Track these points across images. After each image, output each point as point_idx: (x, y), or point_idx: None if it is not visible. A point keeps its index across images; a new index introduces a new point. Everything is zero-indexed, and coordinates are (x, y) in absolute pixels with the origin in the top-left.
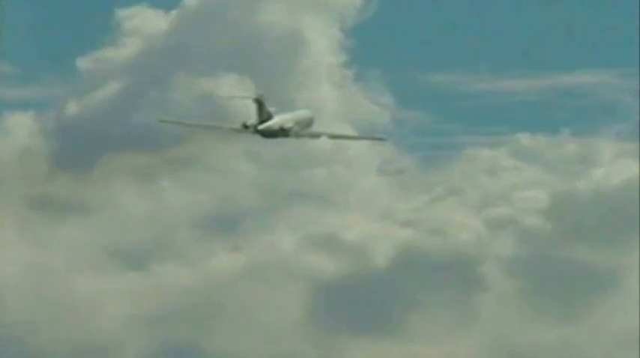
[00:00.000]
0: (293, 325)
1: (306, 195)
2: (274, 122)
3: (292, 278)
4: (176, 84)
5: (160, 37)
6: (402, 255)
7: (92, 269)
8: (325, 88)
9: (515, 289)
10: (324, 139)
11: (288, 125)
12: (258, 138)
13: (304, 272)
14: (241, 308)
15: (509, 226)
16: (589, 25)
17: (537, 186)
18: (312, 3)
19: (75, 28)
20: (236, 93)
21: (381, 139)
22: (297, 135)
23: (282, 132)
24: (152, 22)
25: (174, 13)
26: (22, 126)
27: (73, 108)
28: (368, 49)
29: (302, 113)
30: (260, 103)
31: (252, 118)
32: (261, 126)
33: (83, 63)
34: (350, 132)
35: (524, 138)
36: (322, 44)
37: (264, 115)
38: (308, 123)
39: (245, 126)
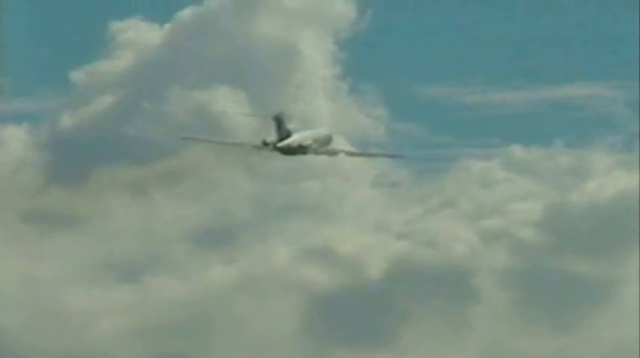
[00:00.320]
0: (287, 337)
1: (300, 208)
2: (293, 140)
3: (286, 290)
4: (170, 97)
5: (154, 50)
6: (395, 267)
7: (85, 282)
8: (319, 101)
9: (508, 301)
10: (341, 156)
11: (307, 142)
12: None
13: (298, 284)
14: (235, 321)
15: (503, 238)
16: (583, 37)
17: (531, 198)
18: (306, 16)
19: (68, 41)
20: (229, 106)
21: (399, 157)
22: (316, 153)
23: (300, 150)
24: (146, 35)
25: (167, 26)
26: (16, 139)
27: (66, 121)
28: (362, 61)
29: (321, 131)
30: (279, 121)
31: (272, 135)
32: (280, 144)
33: (77, 76)
34: (344, 144)
35: (517, 150)
36: (316, 57)
37: (283, 133)
38: (327, 140)
39: (265, 144)
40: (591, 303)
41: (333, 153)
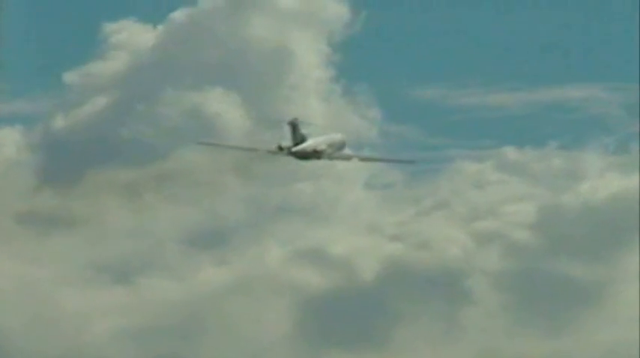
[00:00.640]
0: (280, 339)
1: (293, 210)
2: (308, 145)
3: (279, 292)
4: (163, 98)
5: (147, 51)
6: (389, 269)
7: (79, 284)
8: (313, 103)
9: (502, 303)
10: (354, 161)
11: (321, 147)
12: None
13: (291, 286)
14: (228, 322)
15: (496, 240)
16: (578, 39)
17: (524, 199)
18: (299, 18)
19: (62, 42)
20: (223, 108)
21: (411, 162)
22: (330, 158)
23: (315, 155)
24: (139, 36)
25: (161, 27)
26: (10, 140)
27: (60, 122)
28: (355, 63)
29: (335, 136)
30: (294, 126)
31: (287, 140)
32: (294, 149)
33: (70, 77)
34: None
35: (511, 152)
36: (310, 59)
37: (298, 138)
38: (340, 146)
39: (280, 149)
40: (585, 306)
41: (347, 158)
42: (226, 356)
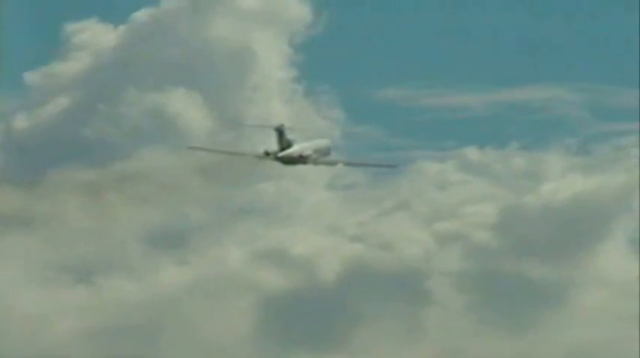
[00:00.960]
0: (241, 339)
1: (254, 210)
2: (294, 150)
3: (240, 292)
4: (125, 98)
5: (110, 51)
6: (350, 269)
7: (39, 284)
8: (275, 103)
9: (463, 303)
10: (339, 166)
11: (307, 153)
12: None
13: (252, 286)
14: (189, 323)
15: (458, 240)
16: (540, 40)
17: (486, 200)
18: (262, 18)
19: (24, 42)
20: (185, 108)
21: (392, 167)
22: (315, 163)
23: (300, 160)
24: (101, 36)
25: (123, 27)
26: None
27: (21, 122)
28: (318, 64)
29: (321, 142)
30: (280, 132)
31: (273, 145)
32: (280, 154)
33: (32, 78)
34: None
35: (472, 152)
36: (272, 59)
37: (284, 143)
38: (326, 151)
39: (266, 154)
40: (546, 306)
41: (332, 163)
42: (187, 356)
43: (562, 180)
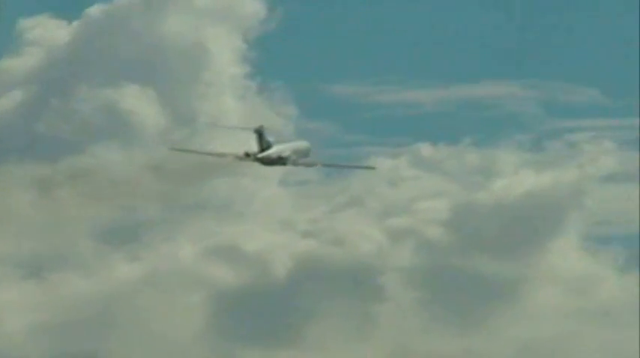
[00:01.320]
0: (192, 335)
1: (207, 206)
2: (273, 151)
3: (192, 288)
4: (78, 94)
5: (63, 47)
6: (301, 265)
7: None
8: (228, 99)
9: (415, 299)
10: (318, 167)
11: (286, 154)
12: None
13: (204, 282)
14: (141, 318)
15: (410, 236)
16: (494, 36)
17: (438, 196)
18: (215, 14)
19: None
20: (138, 105)
21: (371, 168)
22: (295, 164)
23: (279, 161)
24: (54, 32)
25: (76, 23)
26: None
27: None
28: (272, 60)
29: (300, 143)
30: (260, 134)
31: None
32: (260, 155)
33: None
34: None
35: (425, 149)
36: (225, 55)
37: (263, 144)
38: (305, 152)
39: (247, 155)
40: (497, 302)
41: (311, 164)
42: (139, 351)
43: (514, 177)
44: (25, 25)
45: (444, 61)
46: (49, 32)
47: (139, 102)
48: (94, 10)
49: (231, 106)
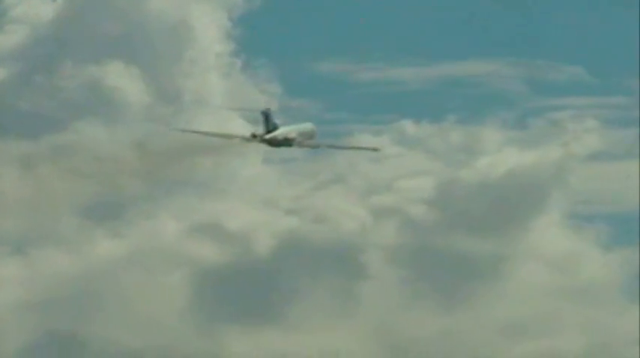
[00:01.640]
0: (175, 313)
1: (190, 183)
2: (279, 133)
3: (175, 265)
4: (62, 71)
5: (47, 24)
6: (285, 243)
7: None
8: (213, 77)
9: (398, 277)
10: (322, 149)
11: (292, 135)
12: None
13: (187, 259)
14: (123, 296)
15: (393, 215)
16: (480, 14)
17: (422, 174)
18: None
19: None
20: (123, 82)
21: (375, 150)
22: (300, 145)
23: (285, 142)
24: (39, 9)
25: (61, 0)
26: None
27: None
28: (256, 37)
29: (305, 126)
30: (267, 115)
31: (259, 128)
32: (267, 136)
33: None
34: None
35: (409, 126)
36: (210, 33)
37: (270, 126)
38: (311, 134)
39: (253, 136)
40: (481, 281)
41: (316, 146)
42: (121, 328)
43: (498, 155)
44: (9, 2)
45: (428, 38)
46: (33, 9)
47: (123, 80)
48: None
49: (216, 84)
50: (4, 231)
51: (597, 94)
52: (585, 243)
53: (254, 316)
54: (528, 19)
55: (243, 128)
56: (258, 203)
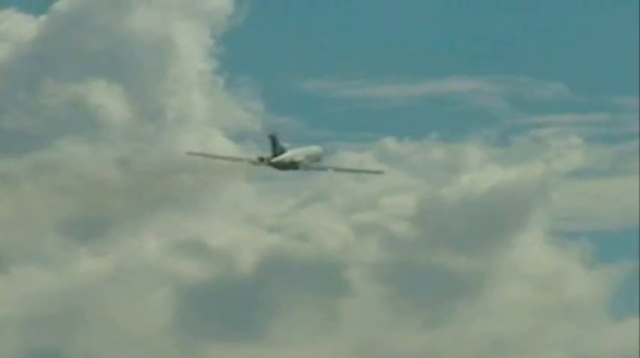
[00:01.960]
0: (158, 330)
1: (172, 201)
2: (286, 156)
3: (158, 283)
4: (45, 89)
5: (29, 41)
6: (267, 261)
7: None
8: (196, 95)
9: (380, 295)
10: (329, 172)
11: (298, 158)
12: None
13: (170, 277)
14: (106, 313)
15: (376, 232)
16: (460, 31)
17: (404, 191)
18: (183, 9)
19: None
20: (106, 100)
21: (379, 173)
22: (306, 168)
23: (292, 165)
24: (21, 26)
25: (43, 17)
26: None
27: None
28: (239, 55)
29: (312, 149)
30: (274, 139)
31: (266, 152)
32: (274, 160)
33: None
34: (220, 138)
35: (390, 143)
36: (193, 50)
37: (277, 150)
38: (317, 157)
39: (261, 159)
40: (463, 298)
41: (322, 168)
42: (104, 346)
43: (480, 172)
44: None
45: (410, 56)
46: (15, 27)
47: (105, 98)
48: (61, 5)
49: (199, 102)
50: None
51: (580, 111)
52: (568, 260)
53: (237, 333)
54: (510, 36)
55: (226, 145)
56: (240, 220)
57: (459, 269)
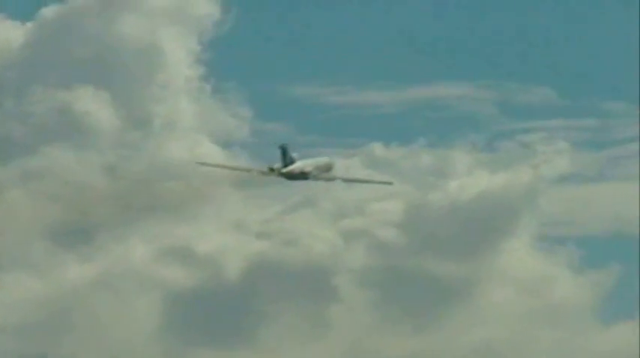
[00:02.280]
0: (145, 336)
1: (160, 207)
2: (296, 166)
3: (145, 289)
4: (32, 96)
5: (17, 48)
6: (255, 267)
7: None
8: (183, 101)
9: (368, 300)
10: (338, 182)
11: (308, 169)
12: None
13: (157, 283)
14: (94, 320)
15: (363, 237)
16: (449, 37)
17: (392, 197)
18: (169, 16)
19: None
20: (93, 106)
21: (388, 183)
22: (316, 178)
23: (302, 176)
24: (8, 33)
25: (30, 24)
26: None
27: None
28: (226, 61)
29: (322, 159)
30: (284, 150)
31: (277, 162)
32: (284, 170)
33: None
34: (207, 145)
35: (378, 149)
36: (180, 57)
37: (287, 160)
38: (328, 168)
39: (271, 170)
40: (451, 304)
41: (331, 179)
42: (92, 353)
43: (468, 177)
44: None
45: (398, 62)
46: (2, 33)
47: (93, 104)
48: (49, 11)
49: (186, 108)
50: None
51: (567, 117)
52: (556, 265)
53: (225, 339)
54: (497, 41)
55: (214, 152)
56: (228, 227)
57: (447, 275)
